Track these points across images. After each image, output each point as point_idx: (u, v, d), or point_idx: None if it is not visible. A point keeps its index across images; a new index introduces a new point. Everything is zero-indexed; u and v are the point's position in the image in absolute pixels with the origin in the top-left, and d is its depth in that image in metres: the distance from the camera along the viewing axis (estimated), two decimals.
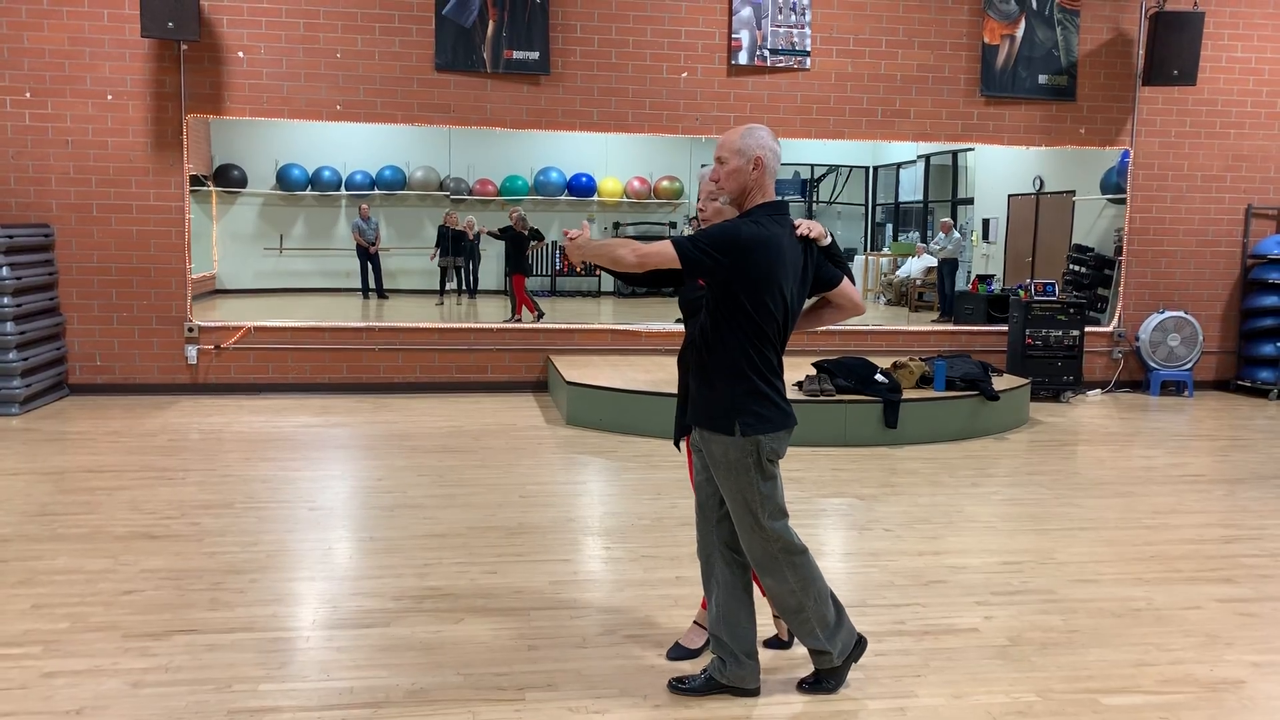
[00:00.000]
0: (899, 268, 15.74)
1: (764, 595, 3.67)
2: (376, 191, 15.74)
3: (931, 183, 17.48)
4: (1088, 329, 9.85)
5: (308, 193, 15.65)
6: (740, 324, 3.19)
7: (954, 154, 15.78)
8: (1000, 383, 8.28)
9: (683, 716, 3.26)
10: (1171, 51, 9.45)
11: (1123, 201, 10.97)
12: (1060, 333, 9.59)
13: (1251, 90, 10.14)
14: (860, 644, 3.48)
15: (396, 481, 6.13)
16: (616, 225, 16.95)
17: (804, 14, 9.41)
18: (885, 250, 17.72)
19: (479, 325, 9.83)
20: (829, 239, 3.37)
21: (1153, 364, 10.19)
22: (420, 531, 5.17)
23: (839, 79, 9.56)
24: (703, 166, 3.64)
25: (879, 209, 19.01)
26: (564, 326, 9.80)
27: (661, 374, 8.49)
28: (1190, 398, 10.00)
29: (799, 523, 4.91)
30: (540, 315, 11.69)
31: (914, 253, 15.43)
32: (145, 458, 6.60)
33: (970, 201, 15.86)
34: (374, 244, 14.81)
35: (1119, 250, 11.02)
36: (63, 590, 4.23)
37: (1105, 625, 4.07)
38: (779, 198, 3.30)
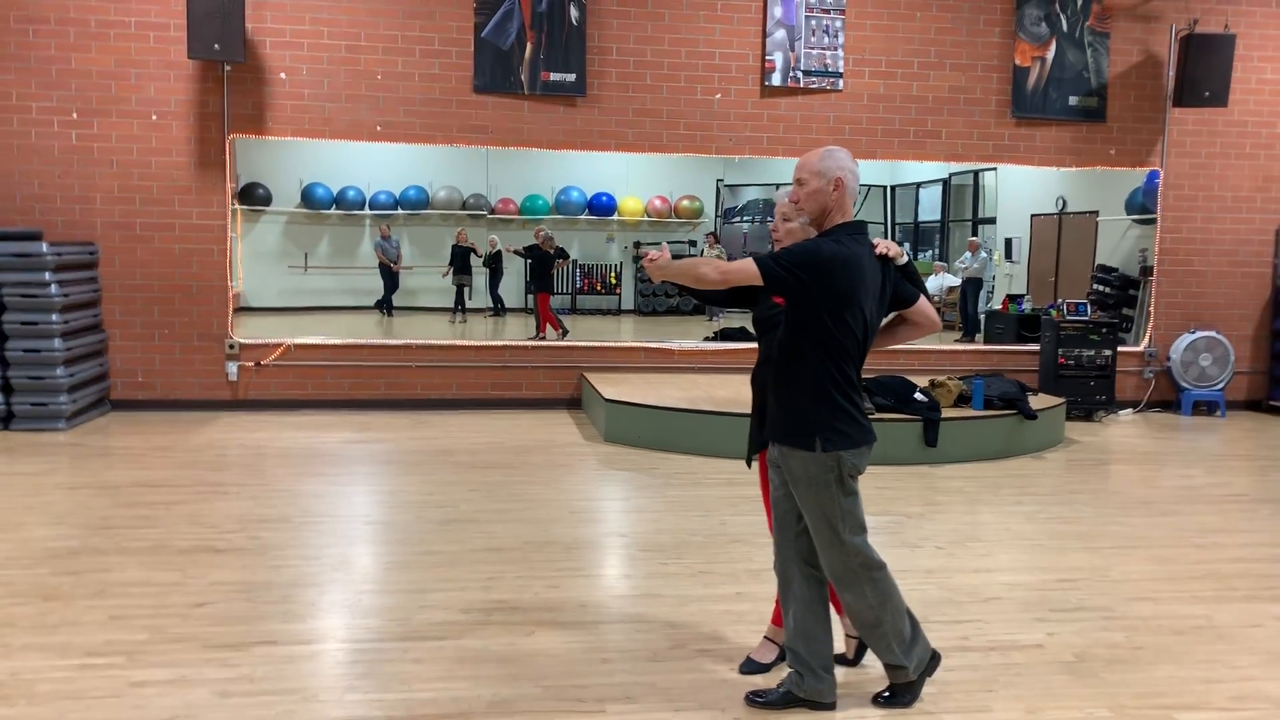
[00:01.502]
0: None
1: (839, 611, 3.72)
2: (400, 211, 15.87)
3: (951, 202, 17.56)
4: (1119, 349, 9.89)
5: (332, 211, 15.78)
6: (821, 341, 3.25)
7: (975, 174, 15.85)
8: (1036, 402, 8.32)
9: None
10: (1203, 73, 9.53)
11: (1148, 222, 11.02)
12: (1093, 352, 9.63)
13: None
14: (935, 659, 3.53)
15: (446, 496, 6.19)
16: (637, 244, 17.05)
17: (837, 36, 9.52)
18: None
19: (513, 343, 9.91)
20: (905, 258, 3.44)
21: (1184, 384, 10.22)
22: (477, 545, 5.23)
23: (871, 100, 9.66)
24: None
25: (898, 228, 19.10)
26: (597, 344, 9.87)
27: (697, 391, 8.55)
28: (1222, 418, 10.01)
29: None
30: (565, 333, 11.76)
31: (932, 271, 15.49)
32: (196, 472, 6.68)
33: (992, 221, 15.91)
34: (396, 262, 14.91)
35: (1144, 270, 11.07)
36: (137, 602, 4.30)
37: (1169, 642, 4.11)
38: (858, 218, 3.37)
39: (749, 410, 3.75)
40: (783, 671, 3.68)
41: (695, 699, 3.50)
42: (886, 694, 3.50)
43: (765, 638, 3.83)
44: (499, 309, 15.07)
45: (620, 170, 15.94)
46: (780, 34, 9.44)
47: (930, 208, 18.68)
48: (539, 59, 9.21)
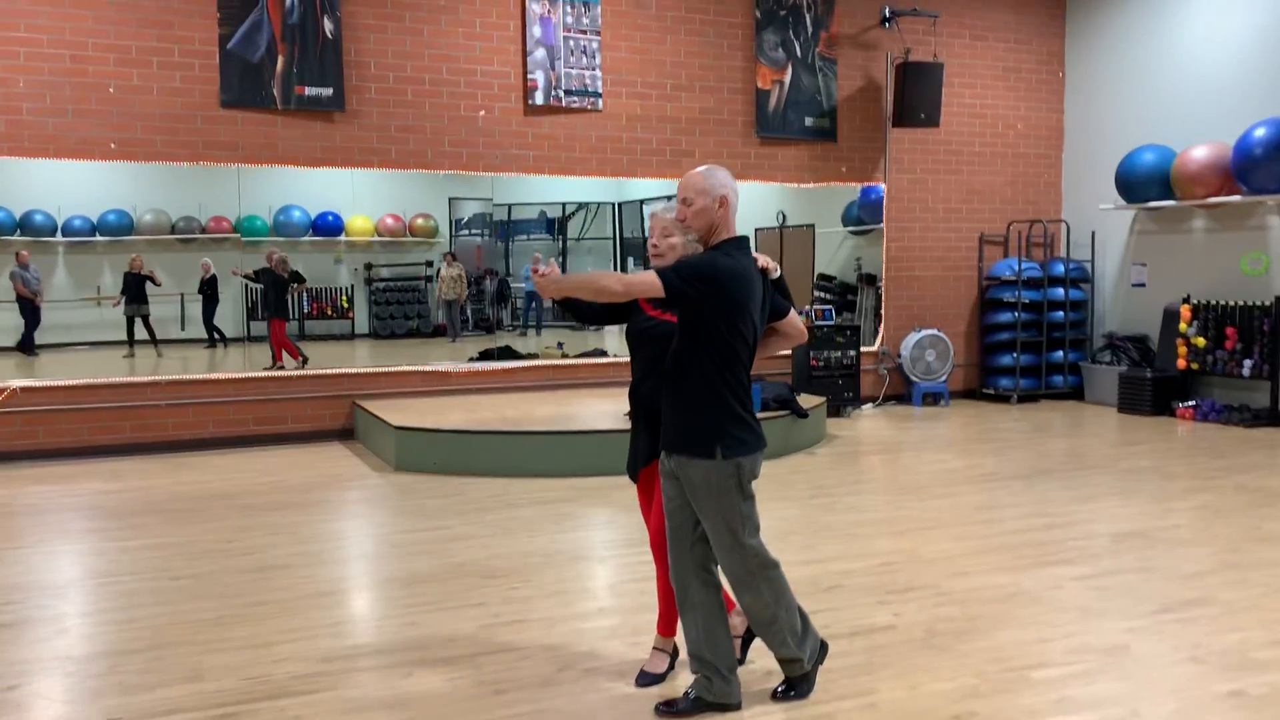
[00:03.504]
0: None
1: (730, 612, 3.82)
2: (99, 238, 14.42)
3: None
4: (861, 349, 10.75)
5: (15, 238, 13.97)
6: (718, 350, 3.34)
7: None
8: (802, 402, 8.87)
9: None
10: (918, 97, 10.56)
11: (863, 233, 12.07)
12: (839, 353, 10.40)
13: (979, 132, 11.49)
14: (824, 648, 3.70)
15: (247, 543, 5.74)
16: (369, 266, 16.49)
17: (594, 57, 9.73)
18: None
19: (276, 374, 9.34)
20: (778, 272, 3.60)
21: (914, 378, 11.25)
22: (306, 591, 4.90)
23: (629, 120, 9.94)
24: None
25: (626, 243, 19.69)
26: (368, 370, 9.51)
27: (486, 413, 8.43)
28: (947, 406, 11.12)
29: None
30: (304, 361, 11.18)
31: None
32: None
33: None
34: (37, 294, 13.12)
35: (861, 278, 12.12)
36: None
37: (996, 611, 4.53)
38: (740, 234, 3.49)
39: (545, 429, 3.78)
40: (677, 679, 3.74)
41: (606, 717, 3.47)
42: (784, 688, 3.63)
43: (655, 648, 3.86)
44: (215, 340, 13.96)
45: (345, 187, 15.33)
46: (540, 53, 9.51)
47: None
48: (292, 72, 8.75)
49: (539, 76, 9.52)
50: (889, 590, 4.82)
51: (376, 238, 16.15)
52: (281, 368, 10.66)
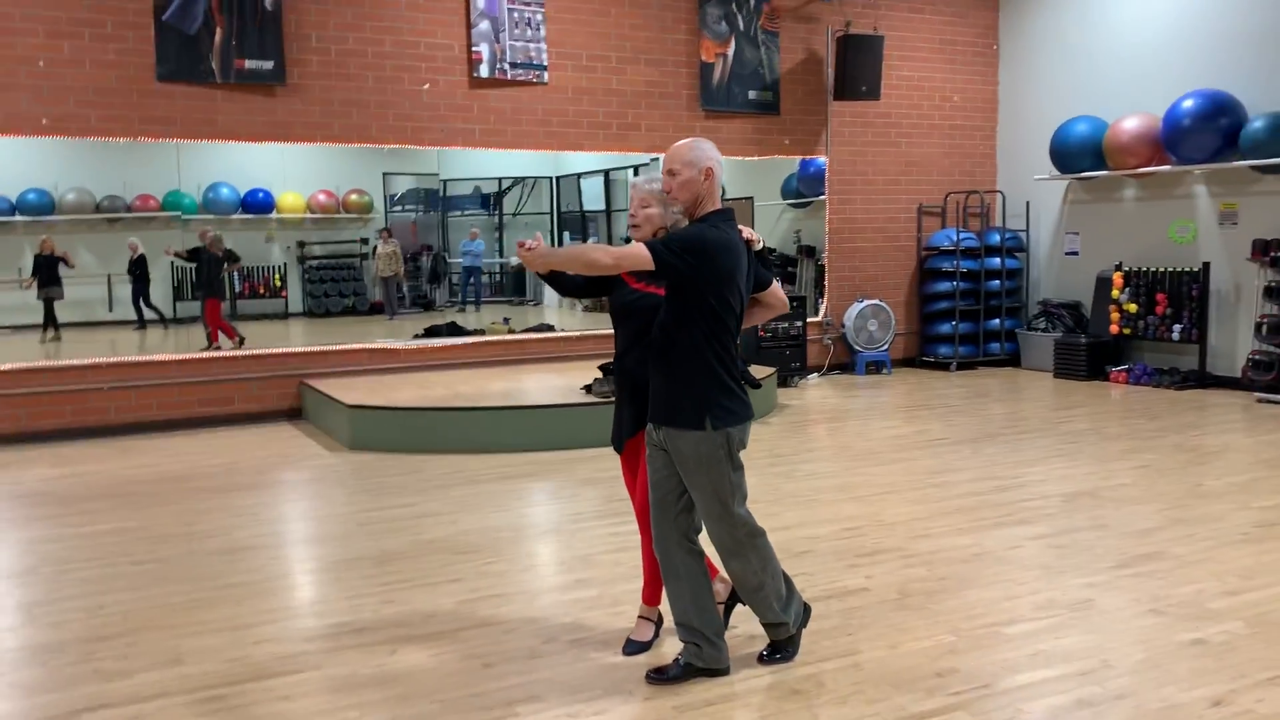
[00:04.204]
0: None
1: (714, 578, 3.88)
2: (19, 218, 13.92)
3: (614, 193, 18.29)
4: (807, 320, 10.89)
5: None
6: (706, 321, 3.38)
7: (635, 168, 16.65)
8: (754, 372, 8.97)
9: (678, 703, 3.39)
10: (858, 70, 10.67)
11: (802, 205, 12.20)
12: (787, 324, 10.52)
13: (916, 104, 11.66)
14: (807, 611, 3.79)
15: (211, 525, 5.65)
16: (301, 244, 16.18)
17: (539, 29, 9.64)
18: None
19: (220, 354, 9.16)
20: (761, 244, 3.65)
21: (857, 347, 11.44)
22: (276, 572, 4.85)
23: (575, 93, 9.89)
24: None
25: (564, 218, 19.62)
26: (316, 349, 9.38)
27: (438, 390, 8.38)
28: (889, 374, 11.33)
29: (632, 521, 5.19)
30: (241, 341, 10.96)
31: None
32: None
33: None
34: None
35: (801, 250, 12.25)
36: None
37: (963, 571, 4.67)
38: (726, 205, 3.53)
39: (503, 404, 3.79)
40: (664, 646, 3.80)
41: (598, 687, 3.52)
42: (769, 651, 3.71)
43: (640, 617, 3.91)
44: (144, 321, 13.58)
45: (276, 163, 15.00)
46: (485, 25, 9.40)
47: (593, 197, 19.41)
48: (231, 45, 8.53)
49: (483, 49, 9.42)
50: (857, 554, 4.94)
51: (309, 214, 15.83)
52: (218, 348, 10.43)
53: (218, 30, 8.48)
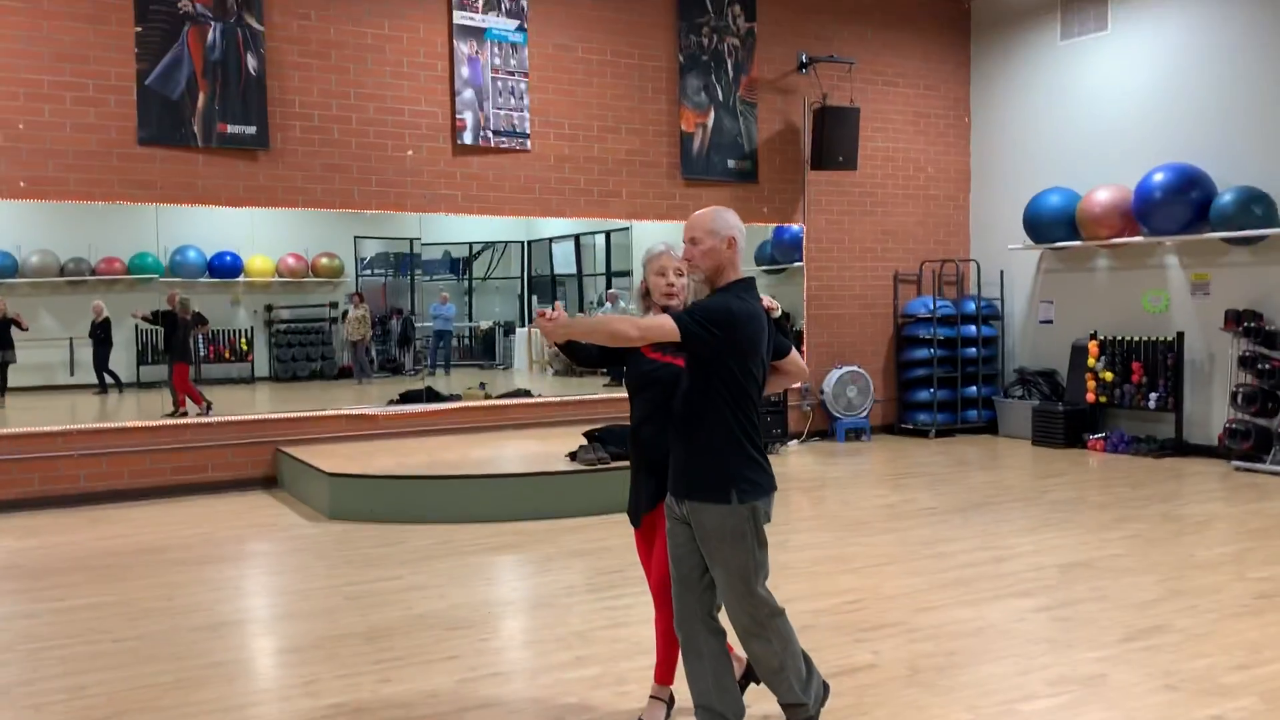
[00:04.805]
0: None
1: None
2: None
3: (584, 258, 18.34)
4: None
5: None
6: (731, 391, 3.33)
7: (607, 234, 16.75)
8: None
9: None
10: (835, 141, 10.83)
11: (776, 272, 12.28)
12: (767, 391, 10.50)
13: (891, 174, 11.85)
14: (826, 690, 3.69)
15: (191, 600, 5.46)
16: (269, 308, 16.00)
17: (522, 98, 9.71)
18: None
19: (193, 421, 8.99)
20: (779, 311, 3.62)
21: (836, 414, 11.44)
22: (266, 648, 4.68)
23: (558, 160, 9.93)
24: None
25: (535, 282, 19.62)
26: (291, 415, 9.22)
27: (419, 456, 8.25)
28: (869, 441, 11.33)
29: (630, 595, 5.10)
30: (208, 407, 10.75)
31: None
32: None
33: (628, 274, 16.86)
34: None
35: (779, 316, 12.29)
36: None
37: (970, 645, 4.60)
38: (747, 274, 3.50)
39: (485, 472, 3.73)
40: None
41: None
42: None
43: (652, 696, 3.79)
44: (105, 385, 13.31)
45: (244, 226, 14.90)
46: (469, 93, 9.45)
47: (564, 261, 19.46)
48: (214, 109, 8.49)
49: (467, 117, 9.45)
50: (861, 628, 4.86)
51: (277, 278, 15.67)
52: (184, 414, 10.21)
53: (200, 95, 8.45)
